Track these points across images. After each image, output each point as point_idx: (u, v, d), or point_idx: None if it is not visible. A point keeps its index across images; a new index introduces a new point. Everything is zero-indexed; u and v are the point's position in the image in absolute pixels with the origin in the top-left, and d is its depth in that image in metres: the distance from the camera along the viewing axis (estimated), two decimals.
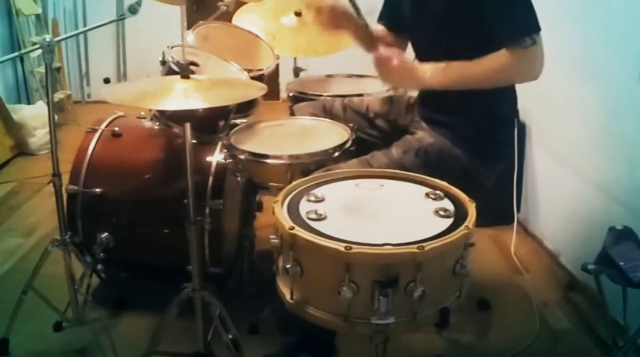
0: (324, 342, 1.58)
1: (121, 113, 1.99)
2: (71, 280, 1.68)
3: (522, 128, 2.53)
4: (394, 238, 1.06)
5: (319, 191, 1.29)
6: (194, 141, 1.48)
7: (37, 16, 3.90)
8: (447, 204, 1.23)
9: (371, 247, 1.03)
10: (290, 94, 2.23)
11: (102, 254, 1.79)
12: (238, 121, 1.93)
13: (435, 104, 1.57)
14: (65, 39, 4.13)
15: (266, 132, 1.84)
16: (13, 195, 2.95)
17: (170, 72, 1.82)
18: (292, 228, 1.09)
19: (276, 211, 1.17)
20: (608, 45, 1.92)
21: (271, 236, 1.17)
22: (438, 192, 1.27)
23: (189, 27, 2.20)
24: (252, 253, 2.07)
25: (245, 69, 2.00)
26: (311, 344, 1.58)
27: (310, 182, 1.35)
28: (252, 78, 1.99)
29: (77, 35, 4.50)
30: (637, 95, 1.77)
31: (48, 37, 1.50)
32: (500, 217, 2.52)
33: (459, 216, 1.17)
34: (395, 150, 1.57)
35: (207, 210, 1.76)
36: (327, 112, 1.87)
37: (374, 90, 2.09)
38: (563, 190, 2.27)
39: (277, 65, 2.25)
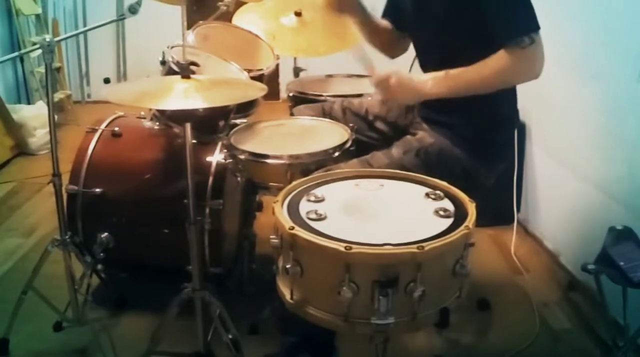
0: (324, 342, 1.58)
1: (121, 113, 1.99)
2: (71, 280, 1.68)
3: (522, 128, 2.53)
4: (394, 238, 1.06)
5: (319, 191, 1.29)
6: (194, 141, 1.48)
7: (37, 16, 3.90)
8: (447, 204, 1.23)
9: (371, 247, 1.03)
10: (290, 94, 2.23)
11: (102, 254, 1.78)
12: (238, 121, 1.93)
13: (436, 104, 1.56)
14: (65, 39, 4.14)
15: (266, 132, 1.84)
16: (13, 195, 2.95)
17: (170, 72, 1.82)
18: (292, 228, 1.09)
19: (276, 211, 1.17)
20: (608, 45, 1.92)
21: (271, 236, 1.17)
22: (438, 192, 1.27)
23: (189, 27, 2.20)
24: (252, 253, 2.07)
25: (245, 69, 2.00)
26: (311, 344, 1.58)
27: (310, 182, 1.35)
28: (252, 78, 1.99)
29: (77, 35, 4.50)
30: (637, 95, 1.77)
31: (48, 37, 1.50)
32: (500, 217, 2.52)
33: (459, 215, 1.17)
34: (395, 151, 1.57)
35: (207, 210, 1.76)
36: (327, 115, 1.88)
37: (374, 90, 2.09)
38: (563, 190, 2.27)
39: (277, 65, 2.25)
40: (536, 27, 1.35)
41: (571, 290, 2.13)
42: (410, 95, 1.51)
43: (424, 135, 1.59)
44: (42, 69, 3.70)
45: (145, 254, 1.89)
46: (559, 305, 2.05)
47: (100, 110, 1.98)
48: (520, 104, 1.65)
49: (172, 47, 1.94)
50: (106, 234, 1.80)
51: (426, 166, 1.49)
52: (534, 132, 2.53)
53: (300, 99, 2.16)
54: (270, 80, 2.16)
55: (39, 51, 1.50)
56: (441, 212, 1.18)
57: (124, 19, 1.57)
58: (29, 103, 3.98)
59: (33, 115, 3.52)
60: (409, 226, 1.15)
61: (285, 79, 2.59)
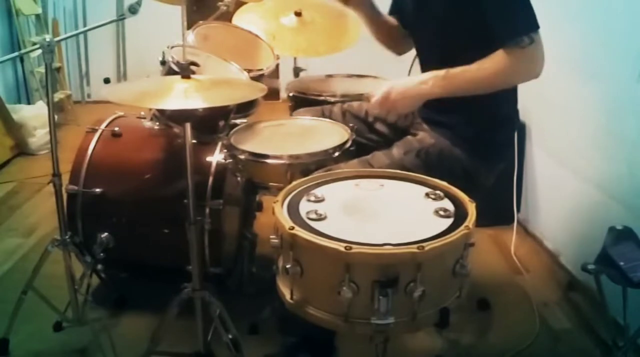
0: (324, 342, 1.58)
1: (121, 113, 1.99)
2: (71, 280, 1.68)
3: (522, 128, 2.53)
4: (394, 238, 1.06)
5: (319, 191, 1.29)
6: (194, 141, 1.48)
7: (37, 16, 3.91)
8: (447, 204, 1.23)
9: (371, 247, 1.03)
10: (290, 94, 2.23)
11: (102, 254, 1.78)
12: (238, 121, 1.93)
13: (436, 104, 1.56)
14: (65, 39, 4.13)
15: (266, 132, 1.84)
16: (13, 195, 2.95)
17: (170, 72, 1.82)
18: (292, 228, 1.09)
19: (276, 211, 1.17)
20: (608, 45, 1.92)
21: (271, 236, 1.17)
22: (438, 192, 1.27)
23: (189, 27, 2.20)
24: (252, 253, 2.07)
25: (245, 69, 2.00)
26: (311, 344, 1.58)
27: (310, 182, 1.35)
28: (252, 78, 1.99)
29: (77, 35, 4.50)
30: (637, 95, 1.77)
31: (48, 37, 1.50)
32: (500, 217, 2.52)
33: (459, 216, 1.17)
34: (396, 151, 1.57)
35: (207, 210, 1.76)
36: (326, 118, 1.88)
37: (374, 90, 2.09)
38: (563, 190, 2.27)
39: (277, 65, 2.25)
40: (536, 27, 1.35)
41: (571, 290, 2.13)
42: (413, 101, 1.49)
43: (425, 136, 1.59)
44: (42, 69, 3.70)
45: (145, 254, 1.89)
46: (559, 305, 2.05)
47: (100, 110, 1.98)
48: (520, 104, 1.65)
49: (172, 47, 1.93)
50: (106, 234, 1.80)
51: (427, 167, 1.49)
52: (534, 132, 2.53)
53: (300, 99, 2.16)
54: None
55: (39, 51, 1.50)
56: (441, 212, 1.18)
57: (124, 19, 1.57)
58: (29, 103, 3.99)
59: (33, 115, 3.52)
60: (409, 226, 1.15)
61: (285, 79, 2.59)
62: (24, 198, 2.89)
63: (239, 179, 1.79)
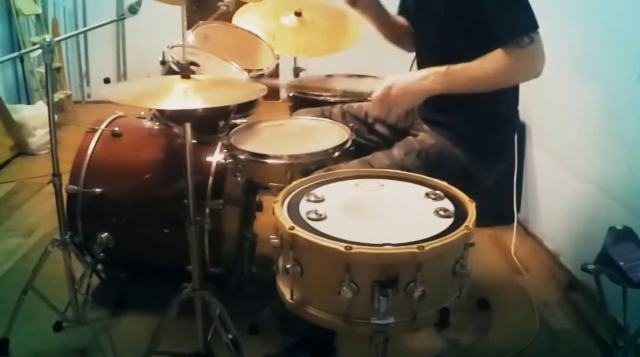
0: (324, 342, 1.58)
1: (121, 113, 1.99)
2: (71, 280, 1.68)
3: (522, 128, 2.53)
4: (394, 238, 1.06)
5: (319, 191, 1.29)
6: (194, 141, 1.48)
7: (37, 16, 3.91)
8: (447, 204, 1.23)
9: (371, 247, 1.03)
10: (290, 94, 2.23)
11: (102, 254, 1.79)
12: (238, 121, 1.93)
13: (436, 105, 1.56)
14: (65, 39, 4.14)
15: (266, 132, 1.84)
16: (13, 195, 2.95)
17: (170, 72, 1.82)
18: (292, 228, 1.08)
19: (276, 211, 1.16)
20: (608, 45, 1.92)
21: (271, 236, 1.17)
22: (438, 192, 1.27)
23: (189, 27, 2.20)
24: (252, 253, 2.07)
25: (245, 69, 2.00)
26: (311, 344, 1.58)
27: (310, 182, 1.35)
28: (252, 78, 1.99)
29: (77, 35, 4.50)
30: (637, 95, 1.77)
31: (48, 37, 1.50)
32: (500, 217, 2.52)
33: (459, 216, 1.17)
34: (396, 151, 1.57)
35: (207, 210, 1.76)
36: (326, 118, 1.88)
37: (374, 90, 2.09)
38: (563, 190, 2.27)
39: (277, 65, 2.25)
40: (535, 27, 1.35)
41: (571, 290, 2.13)
42: (414, 97, 1.49)
43: (425, 137, 1.59)
44: (42, 69, 3.70)
45: (145, 254, 1.89)
46: (559, 305, 2.05)
47: (100, 110, 1.98)
48: (520, 104, 1.65)
49: (172, 47, 1.94)
50: (106, 234, 1.80)
51: (427, 167, 1.49)
52: (534, 132, 2.53)
53: (300, 99, 2.16)
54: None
55: (39, 51, 1.50)
56: (441, 212, 1.18)
57: (124, 19, 1.57)
58: (29, 103, 3.99)
59: (33, 115, 3.53)
60: (409, 226, 1.15)
61: (285, 79, 2.59)
62: (24, 198, 2.89)
63: (239, 179, 1.79)
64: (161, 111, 1.91)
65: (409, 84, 1.47)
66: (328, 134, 1.75)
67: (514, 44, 1.35)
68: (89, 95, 4.72)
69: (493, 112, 1.55)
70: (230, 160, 1.73)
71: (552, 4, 2.06)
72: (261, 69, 2.12)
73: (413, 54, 1.75)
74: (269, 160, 1.63)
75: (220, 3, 2.40)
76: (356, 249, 1.02)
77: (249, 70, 2.02)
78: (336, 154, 1.63)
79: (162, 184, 1.82)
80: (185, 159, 1.43)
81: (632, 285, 1.32)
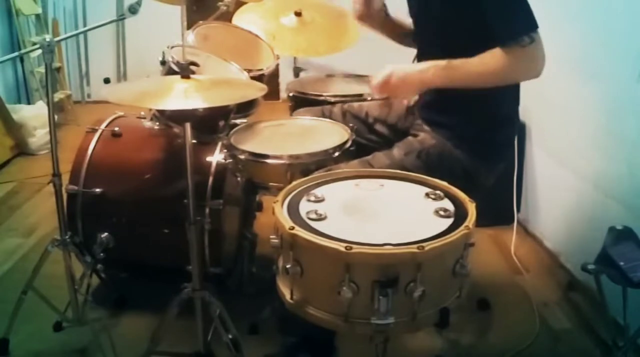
0: (324, 342, 1.58)
1: (121, 113, 1.99)
2: (71, 280, 1.68)
3: (522, 128, 2.53)
4: (394, 238, 1.06)
5: (319, 191, 1.29)
6: (194, 141, 1.48)
7: (37, 16, 3.90)
8: (447, 204, 1.23)
9: (371, 247, 1.03)
10: (290, 94, 2.23)
11: (102, 254, 1.78)
12: (238, 121, 1.93)
13: (437, 105, 1.57)
14: (65, 39, 4.14)
15: (266, 132, 1.84)
16: (13, 195, 2.95)
17: (170, 72, 1.82)
18: (292, 228, 1.09)
19: (276, 211, 1.17)
20: (608, 45, 1.92)
21: (271, 236, 1.17)
22: (438, 192, 1.27)
23: (189, 27, 2.20)
24: (252, 253, 2.07)
25: (245, 69, 2.00)
26: (311, 344, 1.58)
27: (310, 182, 1.35)
28: (252, 78, 1.99)
29: (77, 35, 4.50)
30: (637, 95, 1.77)
31: (48, 37, 1.50)
32: (500, 217, 2.52)
33: (459, 216, 1.17)
34: (396, 152, 1.57)
35: (207, 210, 1.76)
36: (326, 118, 1.88)
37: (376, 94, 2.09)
38: (563, 190, 2.27)
39: (277, 65, 2.25)
40: (535, 27, 1.35)
41: (571, 290, 2.13)
42: (413, 87, 1.50)
43: (426, 137, 1.59)
44: (42, 69, 3.70)
45: (145, 254, 1.89)
46: (559, 305, 2.05)
47: (100, 110, 1.98)
48: (520, 104, 1.65)
49: (172, 47, 1.93)
50: (106, 234, 1.80)
51: (427, 168, 1.49)
52: (534, 132, 2.53)
53: (300, 99, 2.16)
54: (270, 80, 2.16)
55: (39, 51, 1.50)
56: (441, 212, 1.18)
57: (124, 19, 1.57)
58: (29, 103, 3.98)
59: (33, 115, 3.52)
60: (409, 226, 1.15)
61: (285, 79, 2.60)
62: (24, 198, 2.89)
63: (239, 179, 1.79)
64: (161, 111, 1.91)
65: (409, 74, 1.48)
66: (328, 134, 1.75)
67: (515, 43, 1.35)
68: (89, 95, 4.72)
69: (493, 112, 1.55)
70: (230, 160, 1.74)
71: (552, 4, 2.06)
72: (261, 69, 2.12)
73: (413, 54, 1.75)
74: (269, 160, 1.63)
75: (220, 3, 2.40)
76: (356, 249, 1.02)
77: (249, 70, 2.02)
78: (336, 154, 1.63)
79: (162, 184, 1.82)
80: (185, 159, 1.43)
81: (632, 285, 1.32)
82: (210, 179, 1.79)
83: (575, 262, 2.14)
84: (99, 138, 1.88)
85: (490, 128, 1.56)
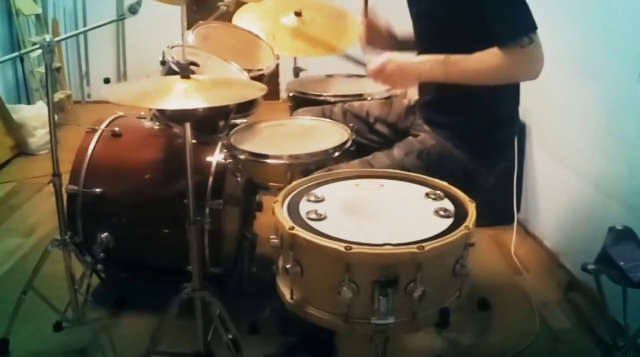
0: (324, 342, 1.58)
1: (121, 113, 1.99)
2: (71, 280, 1.68)
3: (522, 128, 2.53)
4: (394, 238, 1.06)
5: (319, 191, 1.29)
6: (194, 141, 1.48)
7: (37, 16, 3.91)
8: (447, 204, 1.23)
9: (371, 247, 1.03)
10: (290, 94, 2.23)
11: (102, 254, 1.79)
12: (238, 121, 1.93)
13: (437, 105, 1.57)
14: (65, 39, 4.14)
15: (266, 132, 1.84)
16: (13, 195, 2.95)
17: (170, 72, 1.82)
18: (292, 228, 1.09)
19: (276, 211, 1.17)
20: (608, 45, 1.92)
21: (271, 236, 1.17)
22: (438, 192, 1.27)
23: (189, 27, 2.20)
24: (252, 253, 2.07)
25: (245, 69, 2.00)
26: (311, 344, 1.58)
27: (310, 182, 1.35)
28: (252, 78, 1.99)
29: (77, 35, 4.50)
30: (637, 95, 1.77)
31: (48, 37, 1.50)
32: (500, 217, 2.52)
33: (459, 216, 1.17)
34: (397, 152, 1.57)
35: (207, 210, 1.76)
36: (327, 118, 1.88)
37: (374, 90, 2.09)
38: (563, 190, 2.27)
39: (277, 65, 2.25)
40: (534, 28, 1.35)
41: (571, 290, 2.12)
42: (409, 77, 1.51)
43: (426, 137, 1.59)
44: (42, 69, 3.70)
45: (145, 254, 1.89)
46: (559, 305, 2.05)
47: (100, 110, 1.98)
48: (520, 104, 1.65)
49: (172, 47, 1.94)
50: (106, 234, 1.80)
51: (427, 168, 1.49)
52: (534, 132, 2.53)
53: (300, 99, 2.16)
54: (270, 80, 2.16)
55: (39, 51, 1.50)
56: (441, 212, 1.18)
57: (124, 19, 1.57)
58: (29, 103, 3.99)
59: (33, 115, 3.53)
60: (409, 226, 1.15)
61: (285, 79, 2.59)
62: (24, 198, 2.89)
63: (239, 179, 1.79)
64: (161, 111, 1.91)
65: (405, 64, 1.49)
66: (328, 134, 1.75)
67: (514, 44, 1.35)
68: (89, 95, 4.72)
69: (493, 112, 1.55)
70: (230, 160, 1.74)
71: (552, 4, 2.06)
72: (261, 69, 2.12)
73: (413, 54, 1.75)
74: (269, 160, 1.63)
75: (220, 3, 2.40)
76: (356, 249, 1.02)
77: (249, 70, 2.02)
78: (336, 154, 1.63)
79: (162, 184, 1.82)
80: (185, 159, 1.43)
81: (632, 285, 1.32)
82: (210, 179, 1.79)
83: (575, 262, 2.14)
84: (99, 138, 1.88)
85: (490, 128, 1.56)
